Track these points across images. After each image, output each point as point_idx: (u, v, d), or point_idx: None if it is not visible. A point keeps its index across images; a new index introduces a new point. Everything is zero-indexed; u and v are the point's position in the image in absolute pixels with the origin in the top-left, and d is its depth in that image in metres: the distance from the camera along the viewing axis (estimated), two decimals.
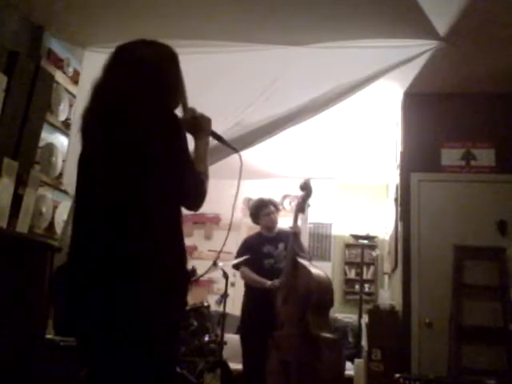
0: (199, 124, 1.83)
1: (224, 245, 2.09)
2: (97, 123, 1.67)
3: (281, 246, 4.06)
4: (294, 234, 3.84)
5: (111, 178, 1.59)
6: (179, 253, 1.64)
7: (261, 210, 4.17)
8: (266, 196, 4.33)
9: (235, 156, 2.06)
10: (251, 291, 4.10)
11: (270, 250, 4.07)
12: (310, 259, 3.87)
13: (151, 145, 1.58)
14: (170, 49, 1.82)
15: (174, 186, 1.61)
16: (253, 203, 4.32)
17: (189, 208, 1.68)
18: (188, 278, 1.75)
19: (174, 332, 1.66)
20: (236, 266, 4.18)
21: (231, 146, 2.03)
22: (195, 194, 1.67)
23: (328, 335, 3.55)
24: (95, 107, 1.69)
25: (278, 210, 4.24)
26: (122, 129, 1.61)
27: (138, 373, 1.55)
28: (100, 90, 1.70)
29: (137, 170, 1.57)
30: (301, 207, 3.92)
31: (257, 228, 4.37)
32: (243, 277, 4.17)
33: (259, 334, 3.83)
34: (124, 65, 1.73)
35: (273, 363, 3.57)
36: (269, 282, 3.89)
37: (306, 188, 3.92)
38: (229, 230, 2.16)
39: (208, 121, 1.86)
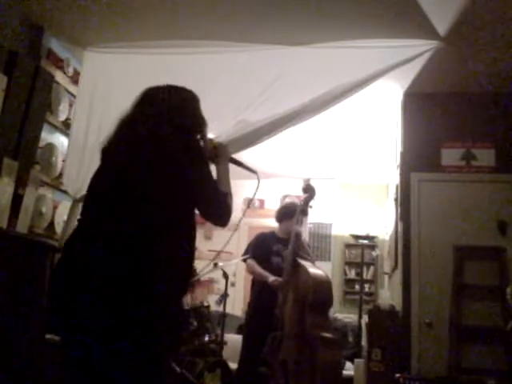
0: (218, 151, 2.04)
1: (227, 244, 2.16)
2: (129, 149, 1.81)
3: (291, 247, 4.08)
4: (296, 234, 3.85)
5: (141, 200, 1.72)
6: (188, 259, 1.83)
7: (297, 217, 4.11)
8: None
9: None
10: (258, 286, 4.11)
11: (279, 249, 4.10)
12: (312, 260, 3.87)
13: (184, 171, 1.76)
14: (193, 93, 2.02)
15: (202, 207, 1.82)
16: (291, 203, 4.25)
17: (217, 225, 1.88)
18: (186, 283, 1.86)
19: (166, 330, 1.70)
20: (245, 260, 4.23)
21: (251, 169, 2.21)
22: (222, 213, 1.86)
23: (326, 335, 3.56)
24: (125, 135, 1.84)
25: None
26: (157, 155, 1.76)
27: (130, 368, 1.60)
28: (130, 121, 1.87)
29: (170, 193, 1.74)
30: (303, 209, 3.93)
31: (256, 227, 4.37)
32: (248, 269, 4.22)
33: (261, 330, 3.86)
34: (153, 103, 1.91)
35: (275, 363, 3.58)
36: (271, 278, 3.90)
37: (309, 190, 3.91)
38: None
39: (225, 147, 2.09)
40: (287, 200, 4.23)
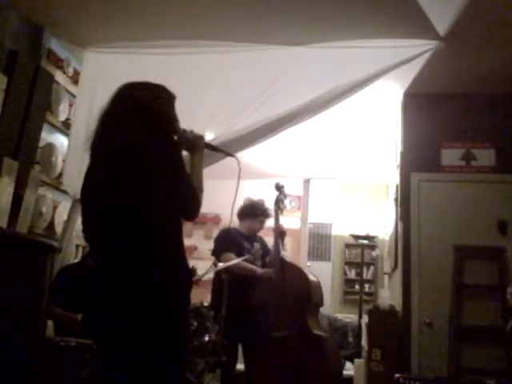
0: (192, 142, 2.02)
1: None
2: (106, 149, 1.85)
3: (256, 245, 4.03)
4: (281, 232, 3.87)
5: (120, 199, 1.79)
6: (180, 260, 1.84)
7: (261, 216, 4.06)
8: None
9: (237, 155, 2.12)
10: (237, 284, 3.70)
11: (248, 247, 4.00)
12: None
13: (155, 167, 1.78)
14: (167, 92, 1.99)
15: (176, 202, 1.83)
16: (257, 203, 4.13)
17: (185, 219, 1.94)
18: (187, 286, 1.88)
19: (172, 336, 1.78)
20: (218, 254, 3.90)
21: (228, 153, 2.20)
22: (192, 208, 1.88)
23: (324, 334, 3.63)
24: (103, 135, 1.87)
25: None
26: (130, 154, 1.80)
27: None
28: (107, 119, 1.88)
29: (145, 190, 1.77)
30: (279, 206, 3.96)
31: None
32: (235, 265, 3.73)
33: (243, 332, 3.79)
34: (129, 102, 1.89)
35: (269, 366, 3.56)
36: (260, 270, 3.80)
37: (281, 187, 4.01)
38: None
39: (200, 138, 2.05)
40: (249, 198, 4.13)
